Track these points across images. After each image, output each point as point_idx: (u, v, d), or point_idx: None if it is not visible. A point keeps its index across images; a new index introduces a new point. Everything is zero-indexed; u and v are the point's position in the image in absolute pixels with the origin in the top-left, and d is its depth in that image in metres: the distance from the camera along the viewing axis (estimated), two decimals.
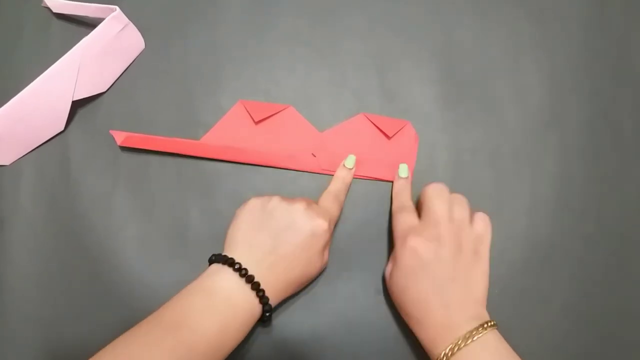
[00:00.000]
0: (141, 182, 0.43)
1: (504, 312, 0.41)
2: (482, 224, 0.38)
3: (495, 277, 0.41)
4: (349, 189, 0.42)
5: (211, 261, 0.37)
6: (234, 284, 0.34)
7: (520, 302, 0.41)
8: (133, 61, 0.46)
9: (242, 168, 0.43)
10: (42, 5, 0.46)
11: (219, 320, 0.33)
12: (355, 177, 0.43)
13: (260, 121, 0.44)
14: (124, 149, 0.44)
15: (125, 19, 0.44)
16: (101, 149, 0.44)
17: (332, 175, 0.42)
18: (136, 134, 0.42)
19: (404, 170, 0.42)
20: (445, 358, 0.33)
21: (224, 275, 0.35)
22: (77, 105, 0.44)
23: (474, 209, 0.39)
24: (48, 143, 0.44)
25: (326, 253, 0.39)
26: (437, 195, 0.38)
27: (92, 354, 0.31)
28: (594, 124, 0.44)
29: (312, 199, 0.40)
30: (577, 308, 0.41)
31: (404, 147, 0.43)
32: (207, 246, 0.41)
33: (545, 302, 0.41)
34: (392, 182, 0.43)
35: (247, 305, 0.34)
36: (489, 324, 0.34)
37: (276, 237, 0.36)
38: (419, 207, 0.40)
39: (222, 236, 0.38)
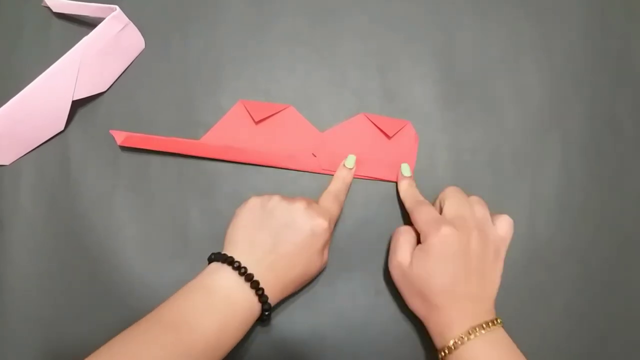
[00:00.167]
0: (141, 182, 0.43)
1: (505, 312, 0.41)
2: (507, 226, 0.38)
3: None
4: (349, 188, 0.42)
5: (210, 260, 0.37)
6: (233, 283, 0.34)
7: (521, 302, 0.41)
8: (133, 61, 0.46)
9: (242, 168, 0.43)
10: (42, 4, 0.46)
11: (218, 318, 0.33)
12: (355, 177, 0.43)
13: (260, 121, 0.44)
14: (124, 148, 0.44)
15: (126, 19, 0.44)
16: (101, 149, 0.44)
17: (332, 175, 0.42)
18: (136, 134, 0.42)
19: (406, 170, 0.42)
20: (454, 346, 0.33)
21: (223, 274, 0.35)
22: (77, 105, 0.44)
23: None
24: (48, 143, 0.44)
25: (326, 253, 0.39)
26: (459, 194, 0.38)
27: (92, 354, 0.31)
28: (594, 124, 0.44)
29: (313, 199, 0.40)
30: (578, 308, 0.41)
31: (404, 147, 0.43)
32: (207, 246, 0.41)
33: (546, 302, 0.41)
34: (392, 182, 0.43)
35: (246, 304, 0.34)
36: (497, 321, 0.35)
37: (276, 236, 0.36)
38: (436, 206, 0.40)
39: (222, 236, 0.38)
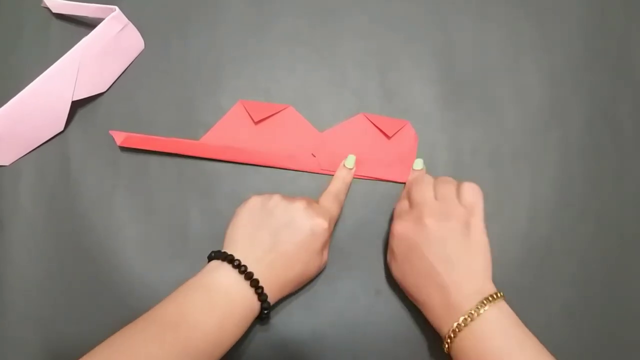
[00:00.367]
0: (141, 182, 0.43)
1: None
2: (470, 193, 0.37)
3: (495, 277, 0.41)
4: (349, 188, 0.42)
5: (210, 258, 0.37)
6: (233, 281, 0.34)
7: (520, 302, 0.41)
8: (133, 61, 0.46)
9: (242, 168, 0.43)
10: (42, 5, 0.46)
11: (217, 316, 0.33)
12: (355, 177, 0.43)
13: (260, 121, 0.44)
14: (124, 149, 0.44)
15: (125, 19, 0.44)
16: (101, 149, 0.44)
17: (332, 175, 0.42)
18: (136, 134, 0.42)
19: (418, 164, 0.43)
20: (449, 339, 0.33)
21: (223, 272, 0.35)
22: (77, 105, 0.44)
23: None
24: (48, 143, 0.44)
25: (325, 252, 0.39)
26: (416, 182, 0.38)
27: None
28: (594, 123, 0.44)
29: (312, 198, 0.40)
30: (577, 308, 0.41)
31: (403, 147, 0.43)
32: (207, 246, 0.41)
33: (545, 302, 0.41)
34: (392, 182, 0.43)
35: (246, 302, 0.34)
36: (494, 296, 0.33)
37: (276, 235, 0.36)
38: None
39: (222, 236, 0.38)
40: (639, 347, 0.41)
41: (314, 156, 0.43)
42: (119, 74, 0.45)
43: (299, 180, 0.43)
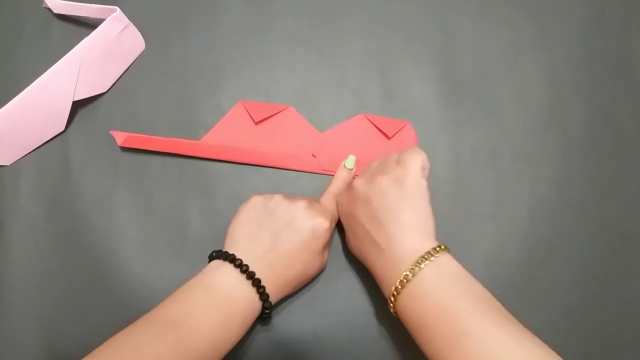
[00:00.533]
0: (141, 182, 0.43)
1: None
2: (408, 153, 0.36)
3: (495, 277, 0.41)
4: None
5: (211, 257, 0.37)
6: (234, 280, 0.34)
7: (520, 302, 0.41)
8: (133, 62, 0.46)
9: (242, 168, 0.44)
10: (43, 6, 0.46)
11: (219, 316, 0.33)
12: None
13: (260, 121, 0.44)
14: (124, 149, 0.44)
15: (126, 20, 0.44)
16: (101, 149, 0.44)
17: (333, 175, 0.42)
18: (136, 135, 0.42)
19: (350, 162, 0.42)
20: (391, 302, 0.32)
21: (224, 271, 0.35)
22: (78, 106, 0.44)
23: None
24: (48, 143, 0.44)
25: (326, 253, 0.39)
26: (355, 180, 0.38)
27: None
28: (594, 124, 0.44)
29: (313, 199, 0.40)
30: (577, 308, 0.41)
31: (403, 147, 0.43)
32: (207, 246, 0.41)
33: (545, 302, 0.41)
34: None
35: (247, 302, 0.34)
36: (432, 252, 0.32)
37: (277, 234, 0.36)
38: None
39: (222, 236, 0.38)
40: (639, 347, 0.41)
41: (315, 156, 0.43)
42: (120, 74, 0.45)
43: (300, 181, 0.43)
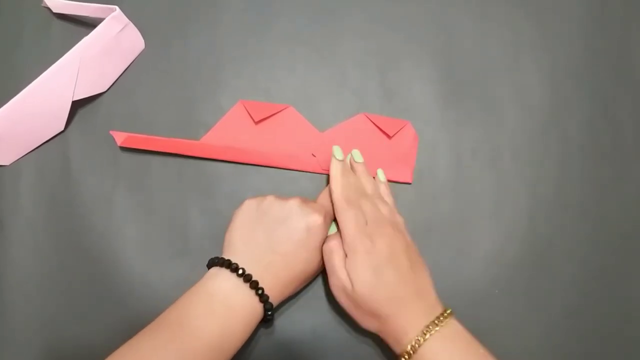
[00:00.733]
0: (141, 182, 0.43)
1: (504, 312, 0.41)
2: (399, 218, 0.38)
3: (495, 277, 0.41)
4: None
5: (210, 265, 0.37)
6: (233, 285, 0.34)
7: (520, 302, 0.41)
8: (133, 61, 0.46)
9: (243, 168, 0.43)
10: (42, 5, 0.46)
11: (220, 322, 0.33)
12: None
13: (260, 121, 0.44)
14: (124, 149, 0.44)
15: (125, 19, 0.44)
16: (101, 149, 0.44)
17: None
18: (136, 135, 0.42)
19: (338, 152, 0.40)
20: (412, 350, 0.32)
21: (222, 277, 0.35)
22: (77, 105, 0.44)
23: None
24: (48, 143, 0.44)
25: None
26: (360, 195, 0.38)
27: (93, 354, 0.31)
28: (594, 124, 0.44)
29: (312, 199, 0.40)
30: (577, 308, 0.41)
31: (404, 146, 0.43)
32: (207, 246, 0.41)
33: (545, 302, 0.41)
34: (392, 181, 0.43)
35: (247, 305, 0.34)
36: (447, 312, 0.34)
37: (272, 235, 0.36)
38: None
39: (222, 236, 0.38)
40: (639, 347, 0.41)
41: (314, 156, 0.43)
42: (120, 74, 0.45)
43: (300, 180, 0.43)
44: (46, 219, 0.43)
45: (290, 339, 0.40)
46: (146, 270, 0.41)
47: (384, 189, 0.41)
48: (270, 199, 0.38)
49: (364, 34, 0.46)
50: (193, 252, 0.42)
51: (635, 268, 0.42)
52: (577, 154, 0.44)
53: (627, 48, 0.46)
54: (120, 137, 0.42)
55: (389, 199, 0.40)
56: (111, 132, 0.42)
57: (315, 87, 0.45)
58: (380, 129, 0.43)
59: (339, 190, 0.38)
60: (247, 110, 0.44)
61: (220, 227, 0.39)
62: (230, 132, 0.44)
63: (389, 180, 0.43)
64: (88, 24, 0.46)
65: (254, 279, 0.34)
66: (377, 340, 0.40)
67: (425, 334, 0.32)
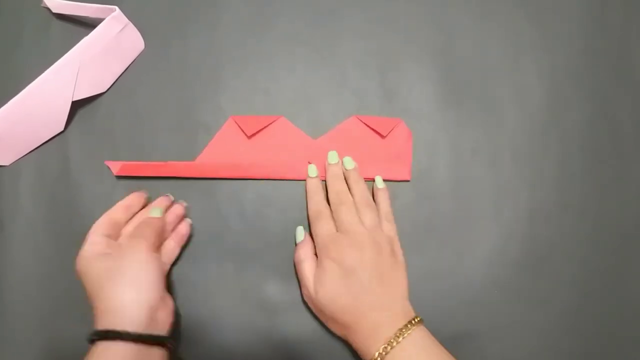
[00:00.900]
0: (141, 182, 0.43)
1: (504, 312, 0.41)
2: (389, 225, 0.39)
3: (495, 277, 0.41)
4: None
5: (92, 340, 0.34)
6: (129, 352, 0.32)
7: (520, 302, 0.41)
8: (133, 61, 0.46)
9: None
10: (42, 5, 0.46)
11: None
12: None
13: (253, 135, 0.43)
14: (124, 147, 0.44)
15: (125, 19, 0.44)
16: (101, 149, 0.44)
17: None
18: (131, 163, 0.42)
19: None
20: (380, 358, 0.33)
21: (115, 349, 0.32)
22: (77, 106, 0.44)
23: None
24: (48, 143, 0.44)
25: (158, 253, 0.38)
26: (340, 203, 0.39)
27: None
28: (594, 124, 0.44)
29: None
30: (577, 308, 0.41)
31: (398, 144, 0.43)
32: (207, 246, 0.41)
33: (545, 302, 0.41)
34: (390, 180, 0.43)
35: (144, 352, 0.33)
36: (416, 319, 0.34)
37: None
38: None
39: (222, 236, 0.38)
40: (639, 347, 0.41)
41: (311, 164, 0.43)
42: (119, 74, 0.45)
43: (297, 186, 0.43)
44: (46, 219, 0.43)
45: (290, 339, 0.40)
46: None
47: (381, 196, 0.41)
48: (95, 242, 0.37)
49: (363, 34, 0.46)
50: (192, 252, 0.42)
51: (635, 268, 0.42)
52: (577, 154, 0.44)
53: (627, 48, 0.46)
54: (115, 167, 0.42)
55: (384, 205, 0.40)
56: (106, 162, 0.42)
57: (315, 87, 0.45)
58: (374, 130, 0.43)
59: (310, 204, 0.41)
60: (238, 126, 0.44)
61: (221, 227, 0.39)
62: (224, 149, 0.43)
63: (388, 180, 0.43)
64: (88, 24, 0.46)
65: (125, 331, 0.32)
66: None
67: (388, 345, 0.33)
